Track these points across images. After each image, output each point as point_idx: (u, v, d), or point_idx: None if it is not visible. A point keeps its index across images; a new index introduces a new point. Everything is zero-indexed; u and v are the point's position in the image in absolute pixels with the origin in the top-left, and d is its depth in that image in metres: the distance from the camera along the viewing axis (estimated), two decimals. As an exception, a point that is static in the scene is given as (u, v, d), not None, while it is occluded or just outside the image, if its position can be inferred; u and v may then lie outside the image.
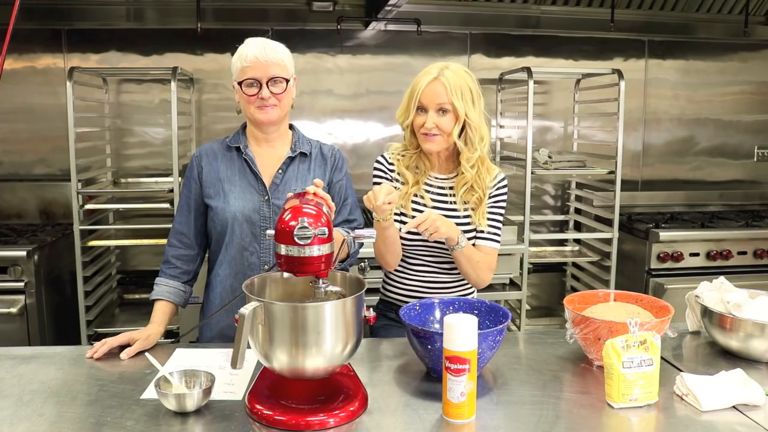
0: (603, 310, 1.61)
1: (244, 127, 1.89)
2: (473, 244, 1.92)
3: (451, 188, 1.92)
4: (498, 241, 1.94)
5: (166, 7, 3.42)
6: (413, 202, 1.92)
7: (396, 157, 1.95)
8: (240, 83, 1.74)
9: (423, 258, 1.94)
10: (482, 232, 1.92)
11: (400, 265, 1.97)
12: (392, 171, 1.95)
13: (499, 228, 1.94)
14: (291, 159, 1.84)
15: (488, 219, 1.92)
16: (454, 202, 1.90)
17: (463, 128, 1.82)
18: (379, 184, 1.95)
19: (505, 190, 1.95)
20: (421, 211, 1.89)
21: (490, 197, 1.91)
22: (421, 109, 1.82)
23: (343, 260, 1.86)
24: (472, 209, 1.89)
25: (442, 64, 1.83)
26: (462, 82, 1.80)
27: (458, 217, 1.89)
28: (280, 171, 1.82)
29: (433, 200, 1.91)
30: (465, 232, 1.88)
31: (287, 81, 1.76)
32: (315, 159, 1.88)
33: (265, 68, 1.72)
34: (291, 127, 1.92)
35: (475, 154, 1.84)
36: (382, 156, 1.98)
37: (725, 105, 3.96)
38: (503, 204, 1.95)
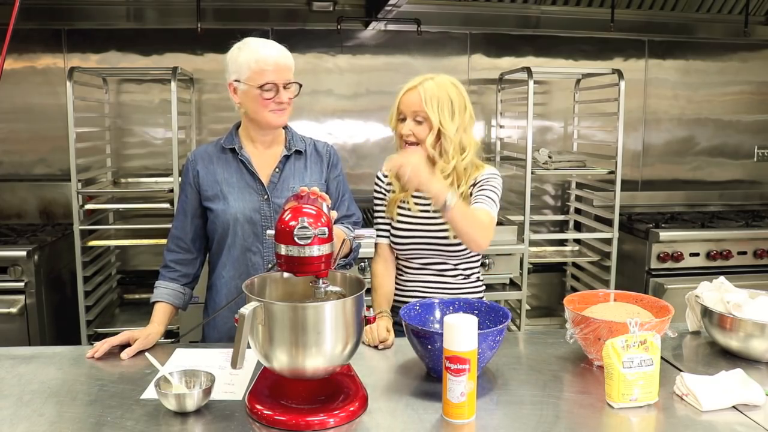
0: (603, 310, 1.62)
1: (236, 127, 1.89)
2: None
3: None
4: (492, 207, 1.82)
5: (166, 7, 3.42)
6: (399, 208, 1.94)
7: None
8: (261, 86, 1.71)
9: (417, 261, 1.94)
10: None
11: (399, 270, 1.99)
12: (389, 184, 1.98)
13: (491, 199, 1.83)
14: (287, 157, 1.85)
15: (480, 193, 1.84)
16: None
17: (438, 139, 1.82)
18: (377, 203, 2.00)
19: (496, 177, 1.88)
20: (406, 220, 1.92)
21: (476, 183, 1.86)
22: (401, 116, 1.85)
23: (345, 256, 1.86)
24: None
25: (428, 75, 1.83)
26: (441, 93, 1.79)
27: (439, 222, 1.87)
28: (277, 170, 1.82)
29: (420, 209, 1.91)
30: (444, 234, 1.87)
31: (300, 86, 1.79)
32: (310, 156, 1.89)
33: (283, 72, 1.74)
34: (284, 126, 1.91)
35: (449, 165, 1.83)
36: (380, 171, 2.01)
37: (725, 105, 3.96)
38: (493, 182, 1.86)
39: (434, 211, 1.89)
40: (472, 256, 1.95)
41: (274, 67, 1.72)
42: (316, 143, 1.93)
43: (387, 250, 1.98)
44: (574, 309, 1.61)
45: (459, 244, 1.89)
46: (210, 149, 1.87)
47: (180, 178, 2.94)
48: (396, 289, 2.01)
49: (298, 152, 1.87)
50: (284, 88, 1.74)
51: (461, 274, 1.95)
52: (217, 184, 1.81)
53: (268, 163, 1.84)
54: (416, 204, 1.93)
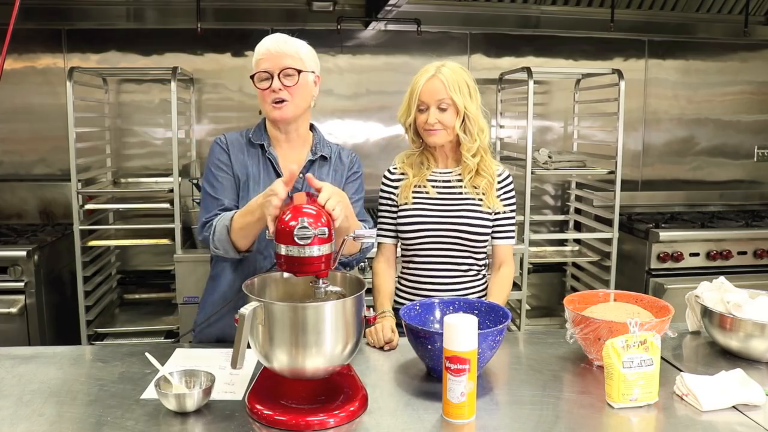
0: (603, 310, 1.62)
1: (264, 123, 1.85)
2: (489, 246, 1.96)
3: (458, 180, 1.93)
4: (511, 237, 1.99)
5: (166, 7, 3.42)
6: (415, 193, 1.93)
7: (401, 158, 1.99)
8: (253, 77, 1.70)
9: (430, 253, 1.93)
10: (498, 219, 1.94)
11: (408, 271, 1.98)
12: (395, 181, 1.97)
13: (513, 224, 1.98)
14: (311, 162, 1.81)
15: (504, 219, 1.95)
16: (462, 193, 1.92)
17: (462, 120, 1.86)
18: (383, 202, 1.99)
19: (510, 186, 1.98)
20: (423, 203, 1.91)
21: (497, 191, 1.93)
22: (422, 106, 1.85)
23: (352, 254, 1.79)
24: (483, 194, 1.91)
25: (438, 63, 1.88)
26: (458, 78, 1.84)
27: (472, 200, 1.91)
28: (300, 175, 1.76)
29: (439, 192, 1.92)
30: (482, 218, 1.90)
31: (299, 72, 1.70)
32: (334, 163, 1.85)
33: (277, 59, 1.68)
34: (312, 128, 1.88)
35: (475, 144, 1.88)
36: (387, 169, 2.02)
37: (725, 105, 3.96)
38: (513, 200, 1.98)
39: (457, 193, 1.91)
40: (485, 248, 1.96)
41: (265, 55, 1.69)
42: (341, 151, 1.89)
43: (390, 249, 1.98)
44: (574, 309, 1.61)
45: (478, 233, 1.90)
46: (240, 139, 1.82)
47: (180, 178, 2.97)
48: (402, 288, 2.00)
49: (323, 158, 1.83)
50: (281, 76, 1.69)
51: (475, 268, 1.95)
52: (246, 177, 1.77)
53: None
54: (434, 187, 1.92)
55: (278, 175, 1.76)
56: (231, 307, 1.63)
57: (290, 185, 1.43)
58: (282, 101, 1.70)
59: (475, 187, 1.91)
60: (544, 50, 3.72)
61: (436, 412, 1.34)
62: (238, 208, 1.71)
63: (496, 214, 1.93)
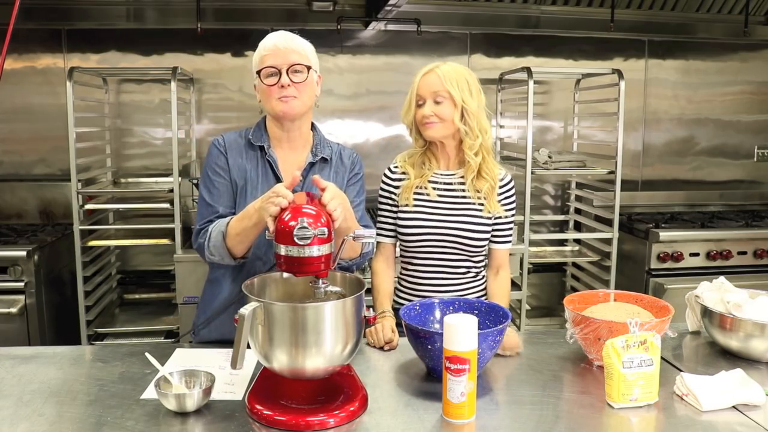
0: (603, 310, 1.62)
1: (263, 124, 1.81)
2: (488, 247, 1.96)
3: (460, 183, 1.92)
4: (510, 241, 1.99)
5: (166, 7, 3.42)
6: (416, 194, 1.92)
7: (403, 158, 1.98)
8: (259, 73, 1.68)
9: (428, 256, 1.93)
10: (498, 223, 1.94)
11: (407, 271, 1.98)
12: (395, 180, 1.96)
13: (512, 228, 1.99)
14: (311, 164, 1.78)
15: (503, 223, 1.95)
16: (464, 196, 1.91)
17: (462, 116, 1.85)
18: (382, 201, 1.98)
19: (512, 192, 1.97)
20: (424, 205, 1.91)
21: (499, 195, 1.93)
22: (420, 101, 1.86)
23: (352, 258, 1.78)
24: (485, 198, 1.90)
25: (439, 62, 1.88)
26: (457, 75, 1.84)
27: (472, 205, 1.90)
28: (301, 178, 1.70)
29: (440, 195, 1.91)
30: (482, 223, 1.90)
31: (308, 69, 1.69)
32: (335, 165, 1.82)
33: (285, 55, 1.66)
34: (313, 127, 1.85)
35: (477, 141, 1.86)
36: (388, 168, 2.01)
37: (725, 105, 3.96)
38: (513, 205, 1.98)
39: (459, 197, 1.91)
40: (484, 251, 1.95)
41: (272, 51, 1.67)
42: (342, 151, 1.86)
43: (389, 249, 1.98)
44: (574, 309, 1.61)
45: (478, 238, 1.90)
46: (238, 140, 1.78)
47: (180, 178, 2.97)
48: (401, 289, 2.00)
49: (323, 159, 1.80)
50: (289, 72, 1.66)
51: (473, 270, 1.95)
52: (244, 182, 1.74)
53: (292, 169, 1.72)
54: (435, 189, 1.92)
55: (277, 179, 1.74)
56: (230, 309, 1.61)
57: (290, 189, 1.43)
58: (288, 97, 1.68)
59: (477, 191, 1.90)
60: (544, 50, 3.72)
61: (436, 412, 1.34)
62: (233, 215, 1.69)
63: (496, 218, 1.93)
